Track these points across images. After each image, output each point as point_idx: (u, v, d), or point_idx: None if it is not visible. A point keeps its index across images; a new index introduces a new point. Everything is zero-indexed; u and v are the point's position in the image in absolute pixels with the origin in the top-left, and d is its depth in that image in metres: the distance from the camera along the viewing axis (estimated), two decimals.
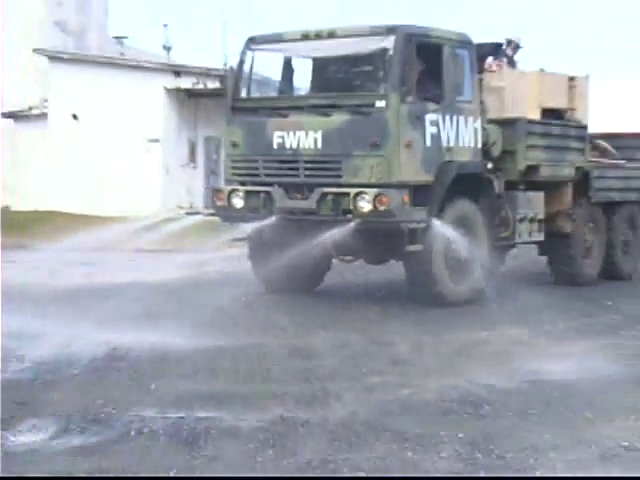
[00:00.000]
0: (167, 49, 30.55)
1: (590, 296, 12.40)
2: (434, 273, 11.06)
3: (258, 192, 11.42)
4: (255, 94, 12.48)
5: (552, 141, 13.03)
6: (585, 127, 13.97)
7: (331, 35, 11.33)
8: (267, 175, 11.52)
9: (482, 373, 7.79)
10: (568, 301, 11.85)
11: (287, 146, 11.16)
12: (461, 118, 11.42)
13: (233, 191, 11.63)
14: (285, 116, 11.29)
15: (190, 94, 28.36)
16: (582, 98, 14.14)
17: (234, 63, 11.91)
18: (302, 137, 11.02)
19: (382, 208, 10.50)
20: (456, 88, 11.32)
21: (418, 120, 10.92)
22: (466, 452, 5.61)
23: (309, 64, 12.26)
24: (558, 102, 13.69)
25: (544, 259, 13.89)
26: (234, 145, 11.74)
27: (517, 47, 13.79)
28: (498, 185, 11.92)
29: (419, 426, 6.12)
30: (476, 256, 11.34)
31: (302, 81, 12.32)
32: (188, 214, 13.90)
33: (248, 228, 11.61)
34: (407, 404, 6.73)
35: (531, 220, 12.55)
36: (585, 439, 5.91)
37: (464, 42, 11.68)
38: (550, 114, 13.44)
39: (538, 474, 5.27)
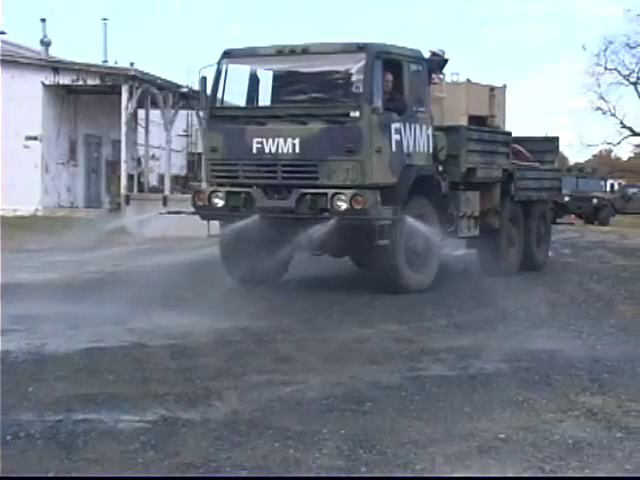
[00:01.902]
0: (46, 45, 29.89)
1: (471, 292, 12.67)
2: (398, 265, 12.29)
3: (238, 192, 12.32)
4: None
5: (485, 146, 14.54)
6: (509, 133, 15.75)
7: (304, 51, 12.34)
8: (246, 177, 12.43)
9: (365, 370, 7.88)
10: (449, 297, 12.09)
11: (266, 151, 12.08)
12: (417, 126, 12.68)
13: (214, 192, 12.50)
14: (263, 124, 12.25)
15: (70, 91, 27.86)
16: (500, 106, 15.91)
17: (205, 73, 12.70)
18: (281, 143, 11.98)
19: (358, 207, 11.60)
20: (417, 100, 12.69)
21: (386, 128, 12.10)
22: (348, 448, 5.65)
23: (279, 77, 13.03)
24: (482, 110, 15.27)
25: None
26: (213, 150, 12.63)
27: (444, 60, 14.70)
28: (445, 186, 13.27)
29: (301, 423, 6.14)
30: (433, 248, 12.90)
31: (271, 93, 13.08)
32: (170, 213, 14.58)
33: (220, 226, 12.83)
34: (290, 402, 6.74)
35: (469, 217, 14.02)
36: (463, 433, 6.03)
37: (419, 58, 13.07)
38: (475, 121, 14.88)
39: (418, 468, 5.34)
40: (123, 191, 26.50)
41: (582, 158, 59.65)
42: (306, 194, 11.84)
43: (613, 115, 65.38)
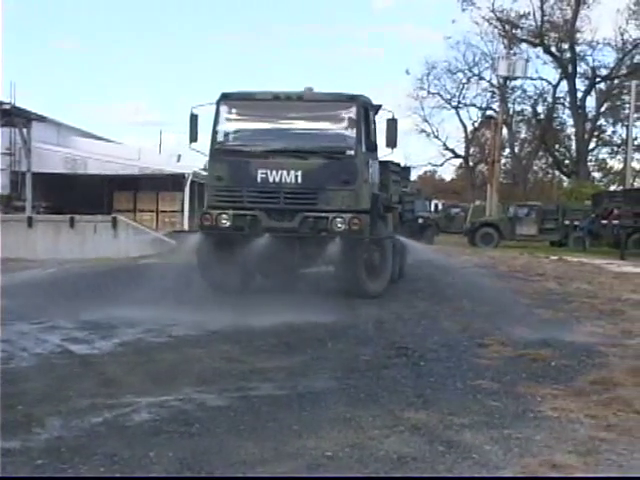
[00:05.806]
0: None
1: (301, 312, 12.72)
2: (359, 275, 14.83)
3: (244, 215, 14.33)
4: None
5: (395, 176, 18.03)
6: (399, 164, 19.33)
7: (299, 98, 14.61)
8: (250, 202, 14.41)
9: (193, 391, 7.80)
10: (279, 317, 12.11)
11: (270, 180, 14.21)
12: (375, 162, 15.39)
13: (220, 214, 14.36)
14: (267, 157, 14.30)
15: None
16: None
17: (195, 111, 14.85)
18: (284, 174, 14.15)
19: (355, 228, 14.07)
20: (375, 140, 15.02)
21: (367, 164, 14.69)
22: (176, 470, 5.59)
23: (276, 119, 14.85)
24: None
25: None
26: (219, 179, 14.61)
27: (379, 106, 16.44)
28: (382, 208, 15.87)
29: (128, 448, 6.03)
30: (388, 260, 15.69)
31: (269, 133, 14.79)
32: (175, 232, 15.85)
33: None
34: (116, 426, 6.60)
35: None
36: (292, 451, 6.06)
37: (375, 105, 15.45)
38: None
39: None
40: None
41: None
42: (308, 217, 14.14)
43: (436, 137, 67.66)
